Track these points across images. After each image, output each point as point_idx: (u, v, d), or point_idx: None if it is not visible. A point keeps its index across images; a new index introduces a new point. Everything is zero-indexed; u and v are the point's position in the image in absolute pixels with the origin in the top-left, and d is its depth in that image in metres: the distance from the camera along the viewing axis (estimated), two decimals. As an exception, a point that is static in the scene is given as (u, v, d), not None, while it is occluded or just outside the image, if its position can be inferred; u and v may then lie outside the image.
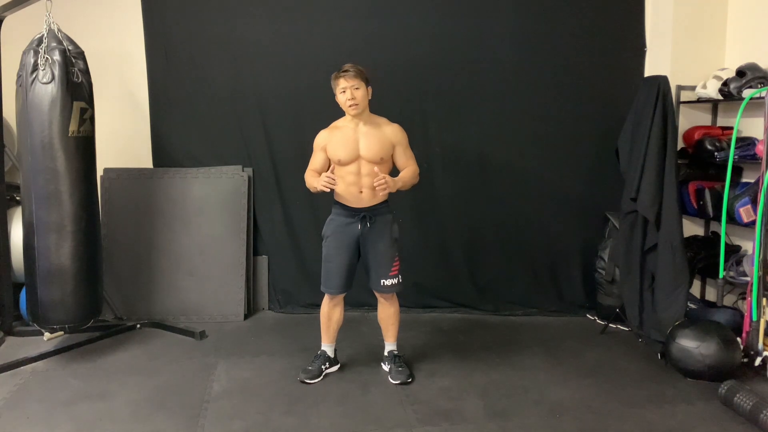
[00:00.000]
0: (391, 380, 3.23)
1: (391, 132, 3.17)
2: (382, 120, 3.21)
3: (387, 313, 3.33)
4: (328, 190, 3.04)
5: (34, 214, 3.33)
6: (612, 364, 3.48)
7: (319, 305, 3.38)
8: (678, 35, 4.11)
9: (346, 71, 3.06)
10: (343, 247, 3.18)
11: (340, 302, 3.32)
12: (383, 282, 3.20)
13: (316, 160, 3.18)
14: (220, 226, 4.26)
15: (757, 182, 3.57)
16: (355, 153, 3.11)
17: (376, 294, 3.31)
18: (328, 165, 3.17)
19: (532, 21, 4.25)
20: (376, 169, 3.06)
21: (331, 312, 3.31)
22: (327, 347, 3.36)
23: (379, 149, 3.12)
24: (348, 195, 3.12)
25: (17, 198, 3.92)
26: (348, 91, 3.04)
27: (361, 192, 3.11)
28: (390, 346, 3.38)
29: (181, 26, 4.24)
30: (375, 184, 3.01)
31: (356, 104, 3.06)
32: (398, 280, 3.23)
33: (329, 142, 3.14)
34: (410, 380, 3.24)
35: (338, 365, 3.40)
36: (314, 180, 3.12)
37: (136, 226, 4.23)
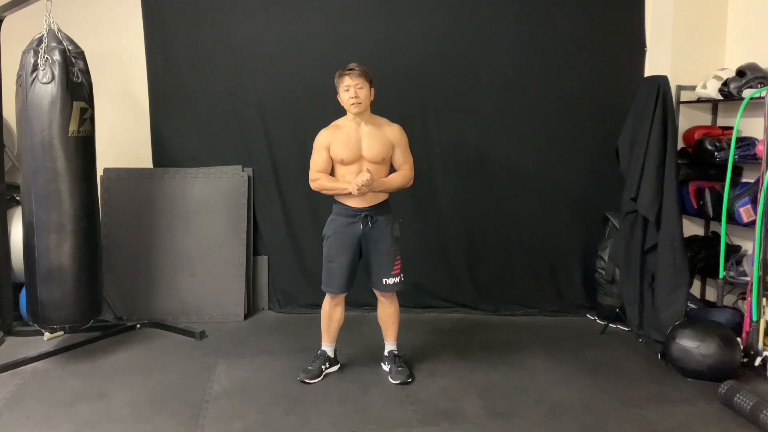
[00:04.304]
0: (391, 380, 3.23)
1: (392, 132, 3.18)
2: (383, 120, 3.22)
3: (387, 313, 3.33)
4: (366, 192, 3.05)
5: (34, 214, 3.33)
6: (612, 364, 3.48)
7: (319, 305, 3.38)
8: (678, 35, 4.12)
9: (351, 69, 3.07)
10: (345, 247, 3.18)
11: (341, 302, 3.32)
12: (385, 281, 3.21)
13: (320, 160, 3.17)
14: (220, 226, 4.26)
15: (757, 182, 3.57)
16: (358, 153, 3.11)
17: (377, 293, 3.31)
18: (331, 164, 3.17)
19: (532, 21, 4.25)
20: (366, 167, 3.07)
21: (332, 312, 3.31)
22: (327, 347, 3.36)
23: (380, 150, 3.13)
24: (350, 195, 3.12)
25: (17, 198, 3.92)
26: (352, 89, 3.05)
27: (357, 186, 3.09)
28: (390, 345, 3.38)
29: (181, 26, 4.24)
30: (356, 180, 3.01)
31: (359, 103, 3.06)
32: (400, 278, 3.24)
33: (332, 141, 3.14)
34: (410, 380, 3.24)
35: (338, 365, 3.40)
36: (333, 182, 3.14)
37: (136, 226, 4.23)
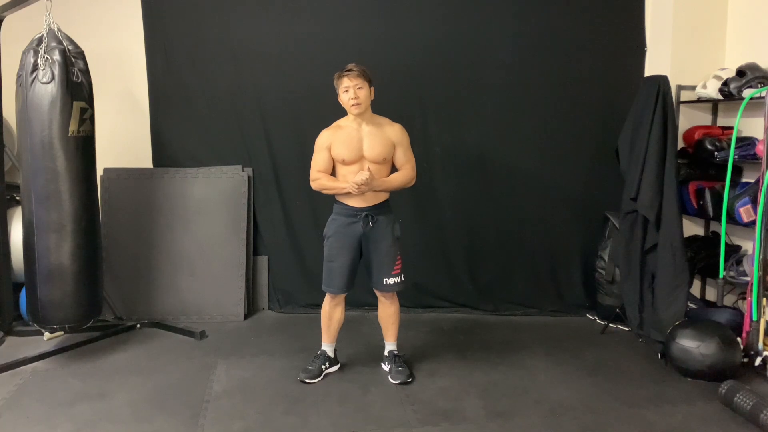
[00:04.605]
0: (391, 380, 3.23)
1: (393, 132, 3.18)
2: (385, 120, 3.22)
3: (387, 313, 3.33)
4: (366, 191, 3.06)
5: (34, 214, 3.33)
6: (612, 364, 3.48)
7: (319, 305, 3.38)
8: (678, 35, 4.12)
9: (349, 71, 3.07)
10: (346, 247, 3.18)
11: (341, 302, 3.32)
12: (386, 281, 3.21)
13: (320, 160, 3.17)
14: (220, 226, 4.26)
15: (757, 182, 3.57)
16: (359, 153, 3.12)
17: (378, 293, 3.31)
18: (332, 164, 3.17)
19: (532, 21, 4.25)
20: (368, 166, 3.08)
21: (332, 312, 3.30)
22: (327, 347, 3.36)
23: (381, 150, 3.13)
24: (351, 194, 3.12)
25: (17, 198, 3.92)
26: (351, 90, 3.05)
27: (356, 185, 3.08)
28: (390, 345, 3.38)
29: (181, 26, 4.25)
30: (355, 178, 3.01)
31: (359, 103, 3.06)
32: (401, 278, 3.24)
33: (333, 141, 3.14)
34: (410, 380, 3.24)
35: (338, 365, 3.40)
36: (333, 182, 3.14)
37: (136, 226, 4.23)
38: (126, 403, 3.01)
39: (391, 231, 3.20)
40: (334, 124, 3.21)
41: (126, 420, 2.86)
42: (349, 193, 3.10)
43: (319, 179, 3.17)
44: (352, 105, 3.07)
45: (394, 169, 3.25)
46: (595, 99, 4.30)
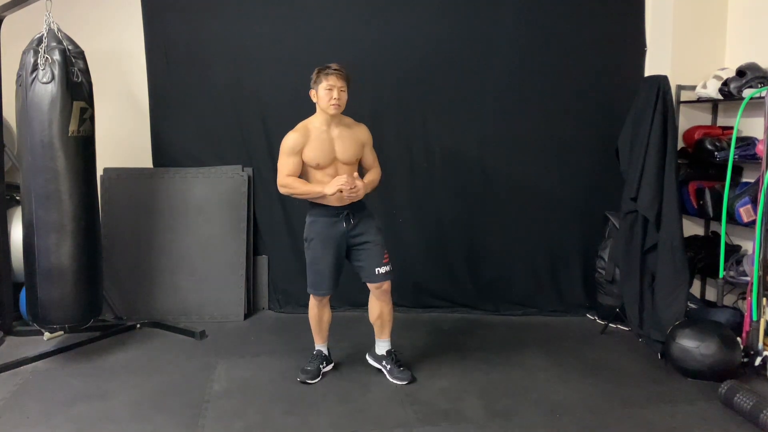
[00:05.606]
0: (396, 381, 3.22)
1: (361, 132, 3.19)
2: (350, 120, 3.20)
3: (383, 311, 3.29)
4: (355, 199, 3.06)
5: (34, 213, 3.33)
6: (612, 364, 3.48)
7: (319, 305, 3.38)
8: (678, 35, 4.12)
9: (337, 70, 3.04)
10: (331, 247, 3.14)
11: (327, 303, 3.30)
12: (378, 270, 3.18)
13: (290, 164, 3.08)
14: (220, 226, 4.26)
15: (757, 182, 3.57)
16: (332, 156, 3.09)
17: (372, 288, 3.25)
18: (301, 168, 3.12)
19: (532, 22, 4.24)
20: (355, 174, 3.09)
21: (321, 313, 3.29)
22: (322, 347, 3.37)
23: (354, 151, 3.14)
24: (328, 197, 3.07)
25: (17, 198, 3.92)
26: (335, 90, 3.02)
27: (341, 192, 3.05)
28: (386, 345, 3.35)
29: (181, 26, 4.25)
30: (346, 195, 3.02)
31: (338, 105, 3.04)
32: (390, 267, 3.24)
33: (305, 146, 3.08)
34: (414, 380, 3.24)
35: (332, 363, 3.40)
36: (308, 186, 3.09)
37: (136, 226, 4.23)
38: (126, 403, 3.01)
39: (373, 223, 3.21)
40: (301, 126, 3.13)
41: (126, 420, 2.86)
42: (325, 197, 3.07)
43: (289, 184, 3.10)
44: (332, 105, 3.03)
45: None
46: (595, 99, 4.30)
